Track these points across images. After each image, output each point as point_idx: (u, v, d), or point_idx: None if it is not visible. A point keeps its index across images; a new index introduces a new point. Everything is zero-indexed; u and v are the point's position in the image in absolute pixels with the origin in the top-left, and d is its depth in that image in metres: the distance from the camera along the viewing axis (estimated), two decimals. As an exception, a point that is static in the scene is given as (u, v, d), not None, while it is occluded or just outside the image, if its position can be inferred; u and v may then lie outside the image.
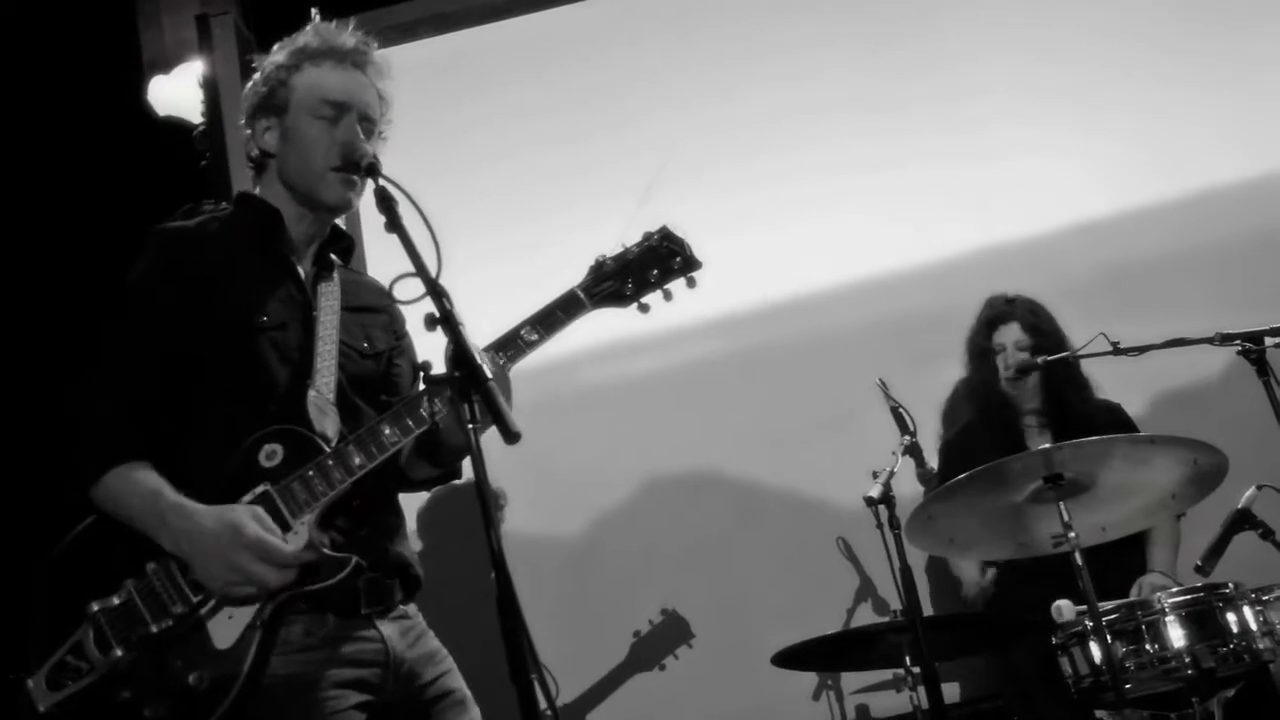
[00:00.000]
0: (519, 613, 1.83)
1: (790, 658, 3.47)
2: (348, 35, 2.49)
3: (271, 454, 2.26)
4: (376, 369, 2.51)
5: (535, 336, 2.36)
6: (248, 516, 2.18)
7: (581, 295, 2.40)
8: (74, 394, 2.31)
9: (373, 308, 2.55)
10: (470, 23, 5.04)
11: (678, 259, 2.44)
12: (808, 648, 3.42)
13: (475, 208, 4.68)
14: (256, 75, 2.50)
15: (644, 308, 2.44)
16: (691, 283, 2.45)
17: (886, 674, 3.96)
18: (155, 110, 5.02)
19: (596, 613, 4.51)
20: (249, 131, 2.50)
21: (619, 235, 2.45)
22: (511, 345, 2.36)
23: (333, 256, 2.53)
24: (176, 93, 5.00)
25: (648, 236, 2.46)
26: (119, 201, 4.48)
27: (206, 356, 2.32)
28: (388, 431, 2.27)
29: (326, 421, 2.32)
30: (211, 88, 4.75)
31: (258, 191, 2.52)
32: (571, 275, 2.42)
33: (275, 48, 2.51)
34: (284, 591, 2.21)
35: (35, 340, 4.34)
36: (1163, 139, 4.66)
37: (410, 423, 2.28)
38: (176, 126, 4.99)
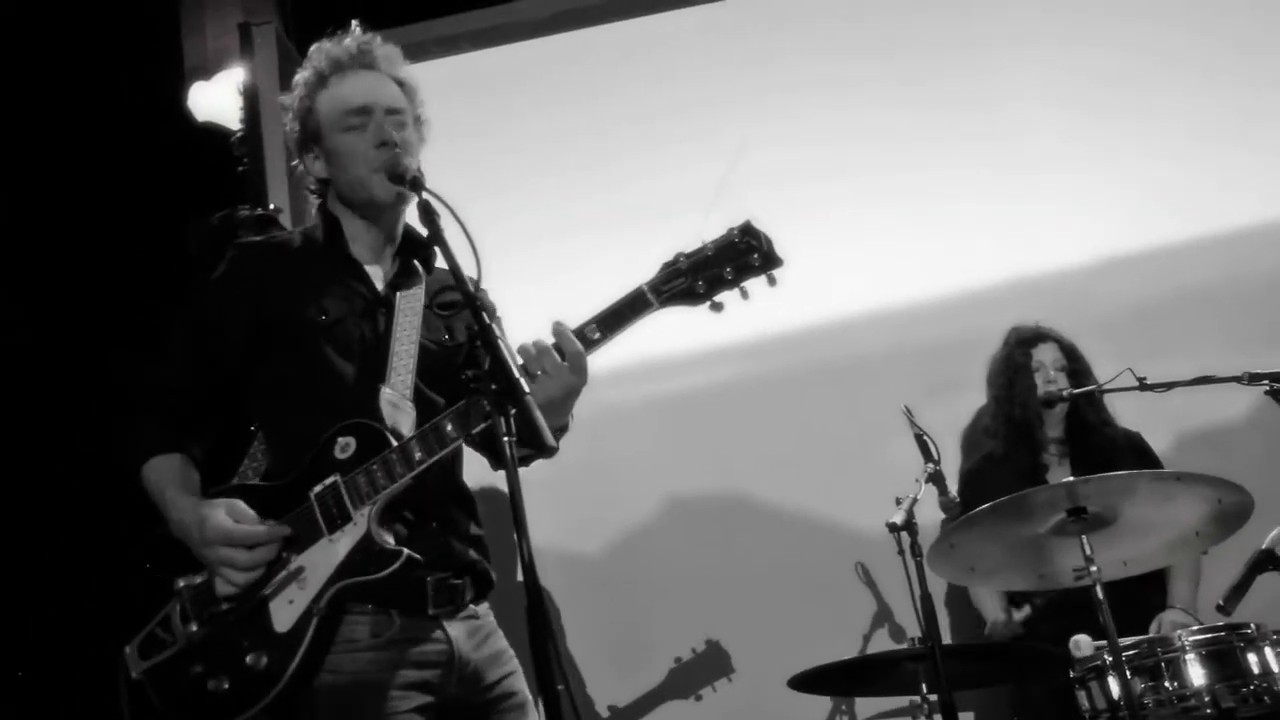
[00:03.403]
0: (548, 622, 1.86)
1: (807, 681, 3.48)
2: (349, 42, 2.57)
3: (345, 446, 2.33)
4: (455, 360, 2.53)
5: (597, 335, 2.26)
6: (219, 509, 2.28)
7: (649, 293, 2.26)
8: (131, 388, 2.47)
9: (455, 302, 2.57)
10: (511, 38, 5.09)
11: (755, 255, 2.23)
12: (825, 672, 3.43)
13: (516, 221, 4.70)
14: (286, 116, 2.61)
15: (717, 306, 2.25)
16: (772, 281, 2.25)
17: (901, 701, 3.96)
18: (194, 116, 5.08)
19: (613, 634, 4.51)
20: (302, 168, 2.60)
21: (683, 239, 2.29)
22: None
23: (416, 264, 2.57)
24: (216, 99, 5.07)
25: (729, 231, 2.26)
26: (157, 204, 4.54)
27: (271, 356, 2.43)
28: (449, 428, 2.27)
29: (401, 417, 2.37)
30: (251, 95, 4.79)
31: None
32: (614, 290, 2.31)
33: (293, 83, 2.61)
34: (334, 582, 2.25)
35: (76, 336, 4.40)
36: (1191, 180, 4.65)
37: (473, 420, 2.24)
38: (214, 132, 5.05)
